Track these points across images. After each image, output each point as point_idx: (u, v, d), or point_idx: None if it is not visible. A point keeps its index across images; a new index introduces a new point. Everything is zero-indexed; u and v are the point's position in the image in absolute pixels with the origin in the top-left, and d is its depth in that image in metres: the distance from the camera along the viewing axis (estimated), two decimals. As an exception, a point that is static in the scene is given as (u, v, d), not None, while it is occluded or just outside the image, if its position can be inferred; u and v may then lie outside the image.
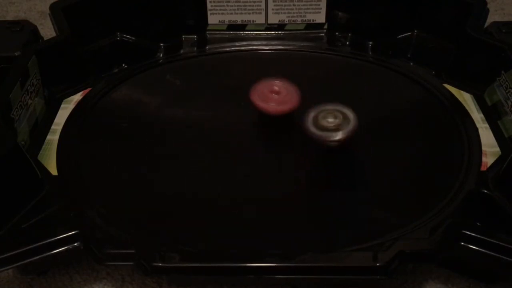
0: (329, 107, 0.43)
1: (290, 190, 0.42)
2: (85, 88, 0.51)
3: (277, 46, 0.58)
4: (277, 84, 0.46)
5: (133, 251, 0.34)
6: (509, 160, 0.38)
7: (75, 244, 0.35)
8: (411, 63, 0.55)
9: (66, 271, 0.39)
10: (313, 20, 0.58)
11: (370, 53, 0.56)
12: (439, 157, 0.44)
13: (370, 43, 0.56)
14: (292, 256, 0.34)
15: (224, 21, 0.58)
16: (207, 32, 0.59)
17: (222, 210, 0.40)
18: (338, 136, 0.42)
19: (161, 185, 0.42)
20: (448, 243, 0.34)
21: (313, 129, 0.42)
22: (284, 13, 0.58)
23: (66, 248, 0.35)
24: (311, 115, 0.43)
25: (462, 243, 0.34)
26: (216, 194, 0.42)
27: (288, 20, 0.59)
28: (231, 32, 0.59)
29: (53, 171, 0.41)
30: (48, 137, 0.45)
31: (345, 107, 0.43)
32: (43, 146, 0.44)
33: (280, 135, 0.47)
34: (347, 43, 0.58)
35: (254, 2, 0.58)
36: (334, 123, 0.42)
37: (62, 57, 0.50)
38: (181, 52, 0.57)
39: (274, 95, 0.46)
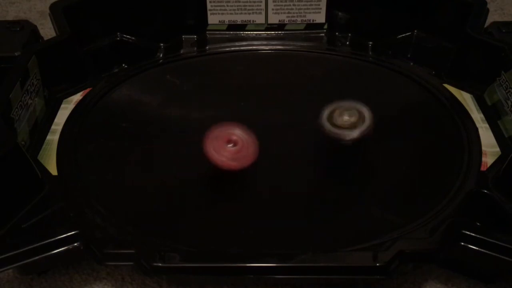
0: (345, 104, 0.42)
1: (290, 190, 0.42)
2: (85, 88, 0.51)
3: (277, 46, 0.58)
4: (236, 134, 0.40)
5: (133, 251, 0.34)
6: (509, 160, 0.38)
7: (75, 244, 0.35)
8: (411, 63, 0.55)
9: (66, 271, 0.39)
10: (313, 20, 0.58)
11: (370, 53, 0.56)
12: (439, 157, 0.44)
13: (370, 43, 0.56)
14: (292, 256, 0.34)
15: (224, 21, 0.58)
16: (207, 32, 0.59)
17: (222, 210, 0.40)
18: (354, 134, 0.41)
19: (161, 185, 0.42)
20: (448, 243, 0.34)
21: (328, 126, 0.41)
22: (284, 13, 0.58)
23: (66, 248, 0.35)
24: (326, 112, 0.42)
25: (462, 243, 0.34)
26: (216, 194, 0.42)
27: (288, 20, 0.59)
28: (231, 32, 0.59)
29: (53, 171, 0.41)
30: (48, 137, 0.45)
31: (361, 104, 0.42)
32: (43, 146, 0.44)
33: (280, 136, 0.47)
34: (347, 43, 0.58)
35: (254, 2, 0.58)
36: (349, 121, 0.41)
37: (62, 57, 0.50)
38: (181, 52, 0.57)
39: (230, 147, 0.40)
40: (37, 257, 0.34)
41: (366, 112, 0.42)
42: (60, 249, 0.35)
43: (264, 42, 0.58)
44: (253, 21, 0.58)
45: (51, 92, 0.49)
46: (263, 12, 0.58)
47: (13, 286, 0.38)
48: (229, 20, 0.58)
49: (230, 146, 0.40)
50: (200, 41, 0.58)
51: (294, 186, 0.42)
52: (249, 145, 0.40)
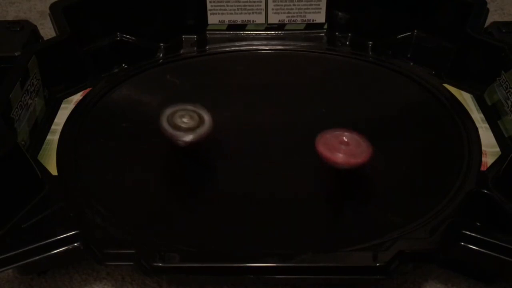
0: (188, 107, 0.43)
1: (290, 190, 0.42)
2: (85, 88, 0.51)
3: (277, 46, 0.58)
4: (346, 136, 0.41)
5: (133, 251, 0.34)
6: (509, 160, 0.38)
7: (75, 244, 0.35)
8: (411, 63, 0.55)
9: (66, 271, 0.39)
10: (313, 20, 0.58)
11: (370, 53, 0.56)
12: (439, 157, 0.44)
13: (370, 43, 0.56)
14: (292, 256, 0.34)
15: (224, 21, 0.58)
16: (207, 32, 0.59)
17: (222, 210, 0.40)
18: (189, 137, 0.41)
19: (161, 185, 0.42)
20: (448, 243, 0.34)
21: (166, 126, 0.41)
22: (284, 13, 0.58)
23: (66, 248, 0.35)
24: (167, 113, 0.42)
25: (462, 243, 0.34)
26: (216, 194, 0.42)
27: (288, 20, 0.59)
28: (231, 32, 0.59)
29: (53, 171, 0.41)
30: (48, 137, 0.45)
31: (202, 108, 0.43)
32: (43, 146, 0.44)
33: (280, 136, 0.47)
34: (347, 43, 0.58)
35: (254, 2, 0.58)
36: (187, 124, 0.42)
37: (62, 57, 0.50)
38: (181, 52, 0.57)
39: (343, 146, 0.40)
40: (37, 257, 0.34)
41: (206, 116, 0.42)
42: (60, 249, 0.35)
43: (264, 42, 0.58)
44: (253, 21, 0.58)
45: (51, 92, 0.49)
46: (263, 12, 0.58)
47: (13, 286, 0.38)
48: (229, 20, 0.58)
49: (343, 146, 0.40)
50: (200, 41, 0.58)
51: (294, 186, 0.42)
52: (360, 142, 0.41)
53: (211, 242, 0.37)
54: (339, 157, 0.40)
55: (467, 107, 0.48)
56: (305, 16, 0.58)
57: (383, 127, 0.47)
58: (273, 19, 0.58)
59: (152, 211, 0.40)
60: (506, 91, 0.46)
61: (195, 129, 0.42)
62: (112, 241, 0.35)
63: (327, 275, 0.34)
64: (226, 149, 0.45)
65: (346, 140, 0.41)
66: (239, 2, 0.57)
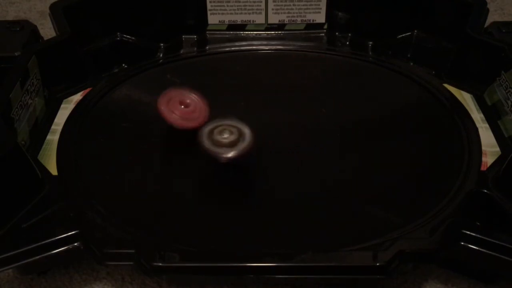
0: (226, 121, 0.42)
1: (289, 190, 0.42)
2: (85, 88, 0.51)
3: (277, 46, 0.58)
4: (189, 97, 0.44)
5: (133, 251, 0.34)
6: (509, 160, 0.38)
7: (75, 244, 0.35)
8: (411, 63, 0.55)
9: (66, 271, 0.39)
10: (313, 20, 0.58)
11: (370, 53, 0.56)
12: (439, 157, 0.44)
13: (370, 43, 0.57)
14: (292, 256, 0.34)
15: (224, 21, 0.58)
16: (207, 32, 0.59)
17: (222, 210, 0.40)
18: (232, 153, 0.41)
19: (161, 185, 0.42)
20: (448, 243, 0.34)
21: (207, 143, 0.41)
22: (284, 13, 0.58)
23: (66, 248, 0.35)
24: (206, 129, 0.42)
25: (462, 243, 0.34)
26: (216, 194, 0.42)
27: (288, 20, 0.59)
28: (231, 32, 0.59)
29: (53, 171, 0.41)
30: (48, 137, 0.45)
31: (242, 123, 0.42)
32: (43, 146, 0.44)
33: (280, 136, 0.47)
34: (347, 43, 0.58)
35: (254, 2, 0.58)
36: (228, 140, 0.41)
37: (62, 57, 0.50)
38: (181, 52, 0.57)
39: (183, 108, 0.43)
40: (37, 257, 0.34)
41: (247, 131, 0.42)
42: (60, 249, 0.35)
43: (264, 42, 0.58)
44: (253, 21, 0.58)
45: (51, 92, 0.49)
46: (263, 12, 0.58)
47: (13, 286, 0.38)
48: (229, 20, 0.58)
49: (183, 107, 0.43)
50: (200, 41, 0.58)
51: (294, 185, 0.42)
52: (202, 108, 0.43)
53: (211, 242, 0.37)
54: (173, 118, 0.43)
55: (467, 107, 0.48)
56: (305, 16, 0.58)
57: (383, 127, 0.47)
58: (273, 19, 0.58)
59: (152, 211, 0.40)
60: (506, 91, 0.46)
61: (237, 143, 0.41)
62: (112, 241, 0.35)
63: (327, 275, 0.34)
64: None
65: (187, 101, 0.43)
66: (239, 2, 0.57)
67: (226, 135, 0.41)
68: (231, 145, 0.41)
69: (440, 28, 0.54)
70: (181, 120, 0.43)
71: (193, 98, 0.44)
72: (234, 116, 0.43)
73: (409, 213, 0.38)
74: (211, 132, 0.42)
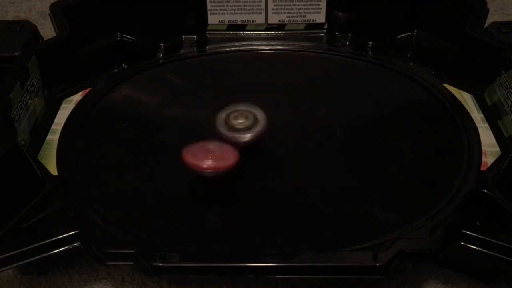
0: (241, 107, 0.43)
1: (289, 190, 0.42)
2: (85, 88, 0.51)
3: (277, 46, 0.58)
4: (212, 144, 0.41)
5: (133, 251, 0.34)
6: (509, 160, 0.38)
7: (75, 244, 0.35)
8: (411, 63, 0.55)
9: (66, 271, 0.39)
10: (313, 20, 0.58)
11: (370, 53, 0.56)
12: (439, 157, 0.44)
13: (370, 43, 0.56)
14: (292, 256, 0.34)
15: (224, 21, 0.58)
16: (207, 32, 0.59)
17: (222, 210, 0.40)
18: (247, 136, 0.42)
19: (161, 185, 0.42)
20: (448, 243, 0.34)
21: (223, 129, 0.42)
22: (284, 13, 0.58)
23: (66, 248, 0.35)
24: (223, 116, 0.43)
25: (462, 243, 0.34)
26: (217, 194, 0.42)
27: (288, 20, 0.59)
28: (231, 32, 0.59)
29: (53, 171, 0.41)
30: (48, 137, 0.45)
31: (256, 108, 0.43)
32: (43, 146, 0.44)
33: (280, 136, 0.47)
34: (347, 43, 0.58)
35: (254, 2, 0.58)
36: (244, 124, 0.42)
37: (62, 57, 0.50)
38: (181, 52, 0.57)
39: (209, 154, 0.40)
40: (37, 257, 0.34)
41: (261, 115, 0.43)
42: (60, 249, 0.35)
43: (264, 42, 0.58)
44: (253, 21, 0.58)
45: (51, 92, 0.49)
46: (263, 12, 0.58)
47: (13, 286, 0.38)
48: (229, 20, 0.58)
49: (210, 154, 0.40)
50: (200, 41, 0.58)
51: (293, 186, 0.42)
52: (228, 147, 0.41)
53: (211, 242, 0.37)
54: (208, 164, 0.40)
55: (467, 107, 0.48)
56: (305, 16, 0.58)
57: (383, 127, 0.47)
58: (273, 19, 0.58)
59: (152, 211, 0.40)
60: (506, 91, 0.46)
61: (252, 128, 0.42)
62: (112, 241, 0.35)
63: (327, 275, 0.34)
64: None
65: (211, 147, 0.41)
66: (239, 2, 0.57)
67: (241, 120, 0.42)
68: (247, 129, 0.42)
69: (440, 28, 0.54)
70: (217, 162, 0.40)
71: (215, 143, 0.41)
72: (247, 102, 0.43)
73: (409, 213, 0.38)
74: (227, 118, 0.42)
